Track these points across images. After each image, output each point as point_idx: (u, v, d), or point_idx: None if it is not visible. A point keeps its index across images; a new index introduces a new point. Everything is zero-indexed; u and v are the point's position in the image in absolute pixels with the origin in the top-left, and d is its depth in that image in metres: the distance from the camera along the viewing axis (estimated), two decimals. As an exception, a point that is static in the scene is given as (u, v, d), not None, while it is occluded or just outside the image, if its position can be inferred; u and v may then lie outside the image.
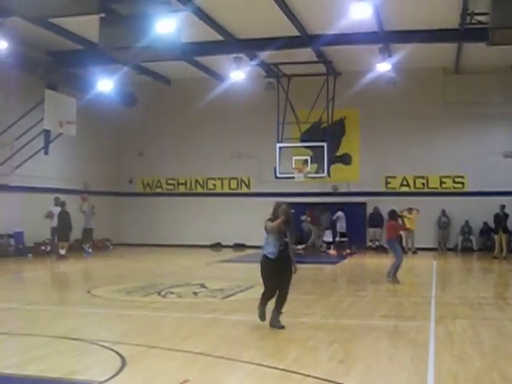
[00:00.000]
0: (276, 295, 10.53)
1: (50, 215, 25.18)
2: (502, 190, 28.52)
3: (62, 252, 24.61)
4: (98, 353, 8.72)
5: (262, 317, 10.54)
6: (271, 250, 10.34)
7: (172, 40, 18.46)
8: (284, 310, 10.42)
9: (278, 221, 10.30)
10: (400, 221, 18.92)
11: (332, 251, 27.60)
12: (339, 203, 29.76)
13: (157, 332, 10.37)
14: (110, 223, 32.05)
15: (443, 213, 29.72)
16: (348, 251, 27.60)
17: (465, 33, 21.92)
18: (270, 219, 10.49)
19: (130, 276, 19.31)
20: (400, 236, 28.30)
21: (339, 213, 28.18)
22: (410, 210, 28.67)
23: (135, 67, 27.48)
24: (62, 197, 25.99)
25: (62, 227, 24.86)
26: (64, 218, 24.91)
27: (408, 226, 28.47)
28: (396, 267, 17.39)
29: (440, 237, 29.88)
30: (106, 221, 30.93)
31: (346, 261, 24.89)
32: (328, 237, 28.53)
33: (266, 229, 10.47)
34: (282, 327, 10.25)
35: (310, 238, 29.83)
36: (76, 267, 22.71)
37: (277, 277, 10.41)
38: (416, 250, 28.66)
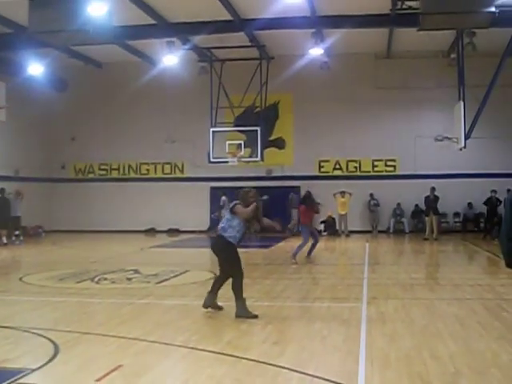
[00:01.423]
0: (216, 278, 10.58)
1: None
2: (432, 172, 29.17)
3: (4, 240, 24.55)
4: (30, 340, 8.61)
5: (209, 303, 10.42)
6: (234, 235, 10.09)
7: (104, 23, 18.11)
8: (218, 293, 10.44)
9: (252, 206, 10.14)
10: (316, 207, 19.13)
11: None
12: (273, 187, 29.96)
13: (90, 318, 10.30)
14: (42, 210, 31.50)
15: (371, 196, 30.16)
16: None
17: (396, 18, 22.19)
18: (239, 203, 10.23)
19: (63, 263, 19.03)
20: (333, 219, 28.84)
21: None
22: (342, 193, 29.08)
23: (66, 51, 26.98)
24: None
25: (1, 214, 24.56)
26: (3, 204, 24.56)
27: (340, 209, 28.95)
28: (299, 249, 18.03)
29: (371, 219, 30.31)
30: (38, 207, 30.48)
31: (279, 244, 25.00)
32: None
33: (233, 212, 10.15)
34: (220, 308, 10.36)
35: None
36: (8, 255, 22.30)
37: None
38: (349, 233, 29.02)
